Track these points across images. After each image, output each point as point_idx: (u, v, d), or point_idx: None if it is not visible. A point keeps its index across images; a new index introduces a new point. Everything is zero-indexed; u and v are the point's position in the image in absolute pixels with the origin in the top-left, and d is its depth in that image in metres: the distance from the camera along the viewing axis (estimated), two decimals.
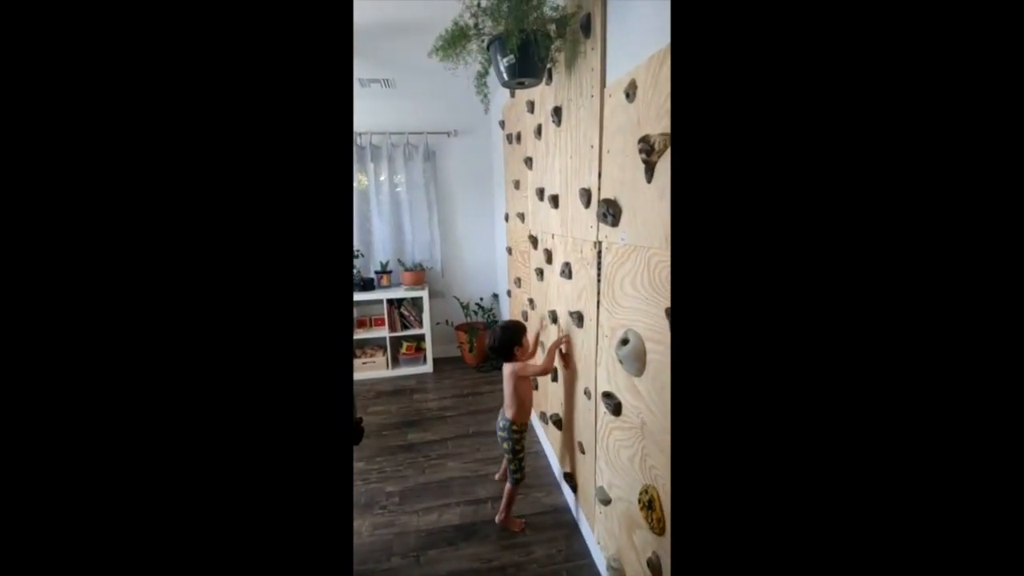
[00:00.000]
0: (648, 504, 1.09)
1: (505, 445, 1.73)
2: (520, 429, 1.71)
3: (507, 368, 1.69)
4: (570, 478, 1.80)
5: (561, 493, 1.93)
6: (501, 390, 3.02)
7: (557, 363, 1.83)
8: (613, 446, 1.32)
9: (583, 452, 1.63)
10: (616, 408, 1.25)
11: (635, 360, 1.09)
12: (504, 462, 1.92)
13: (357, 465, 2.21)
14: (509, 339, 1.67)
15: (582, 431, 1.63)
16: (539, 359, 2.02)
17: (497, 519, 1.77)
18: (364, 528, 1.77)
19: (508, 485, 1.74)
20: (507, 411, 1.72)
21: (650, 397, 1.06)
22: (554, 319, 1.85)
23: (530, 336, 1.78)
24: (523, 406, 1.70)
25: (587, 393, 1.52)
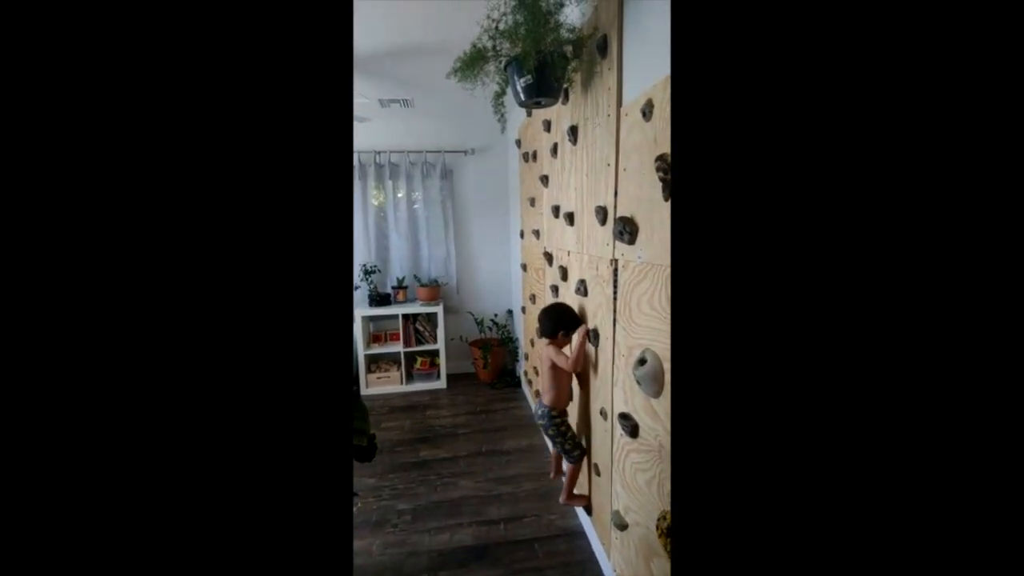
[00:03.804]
0: (667, 531, 1.05)
1: (551, 431, 1.68)
2: (561, 414, 1.67)
3: (543, 351, 1.65)
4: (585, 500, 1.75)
5: (576, 516, 1.88)
6: (514, 409, 3.01)
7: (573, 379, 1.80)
8: (630, 469, 1.29)
9: (599, 474, 1.59)
10: (633, 430, 1.22)
11: (653, 381, 1.07)
12: (553, 456, 1.90)
13: (369, 481, 2.20)
14: (559, 318, 1.63)
15: (598, 452, 1.59)
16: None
17: (561, 500, 1.77)
18: (375, 547, 1.75)
19: (568, 465, 1.70)
20: (544, 397, 1.67)
21: (668, 419, 1.03)
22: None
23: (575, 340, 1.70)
24: (561, 392, 1.66)
25: (603, 414, 1.49)
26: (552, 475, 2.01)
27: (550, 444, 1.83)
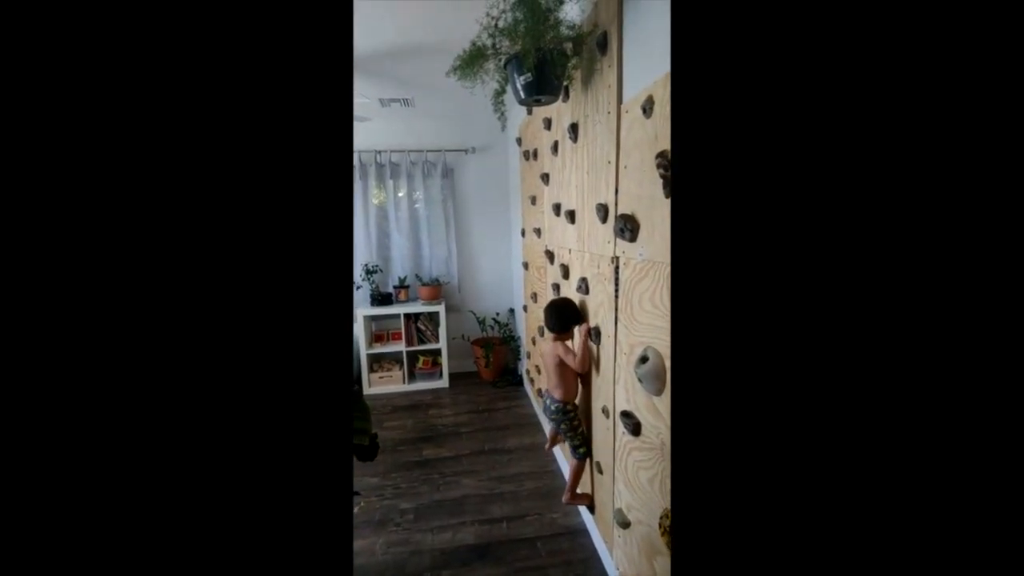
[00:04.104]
0: (669, 529, 1.04)
1: (563, 426, 1.68)
2: (573, 408, 1.68)
3: (548, 347, 1.65)
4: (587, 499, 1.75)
5: (578, 514, 1.88)
6: (516, 407, 3.01)
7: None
8: (632, 467, 1.28)
9: (601, 472, 1.59)
10: (635, 428, 1.22)
11: (655, 379, 1.06)
12: (551, 435, 1.96)
13: (372, 480, 2.20)
14: (567, 314, 1.64)
15: (600, 451, 1.59)
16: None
17: (564, 499, 1.77)
18: (379, 546, 1.76)
19: (573, 461, 1.71)
20: (555, 392, 1.67)
21: (670, 417, 1.03)
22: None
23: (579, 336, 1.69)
24: (570, 386, 1.66)
25: (605, 412, 1.48)
26: (548, 446, 2.10)
27: (547, 424, 1.84)
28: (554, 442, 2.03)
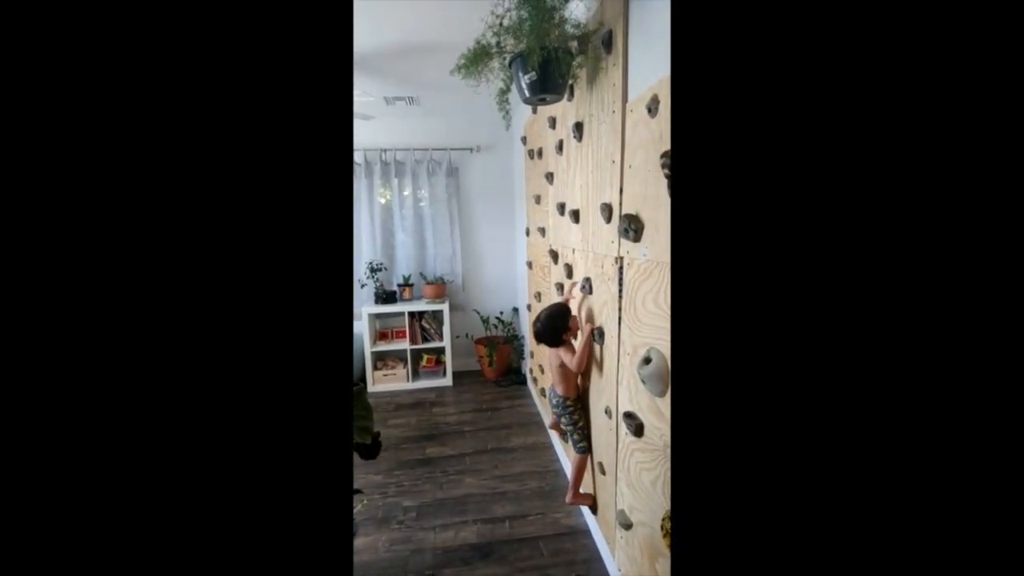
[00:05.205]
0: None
1: (563, 419, 1.75)
2: (574, 403, 1.72)
3: (551, 349, 1.69)
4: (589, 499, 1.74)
5: (580, 514, 1.88)
6: (520, 407, 3.01)
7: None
8: (635, 468, 1.28)
9: (603, 473, 1.58)
10: (638, 429, 1.22)
11: (658, 380, 1.06)
12: (552, 422, 1.99)
13: (375, 478, 2.21)
14: (555, 326, 1.64)
15: (602, 451, 1.58)
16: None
17: (567, 499, 1.77)
18: (381, 543, 1.76)
19: (575, 456, 1.74)
20: (557, 388, 1.73)
21: (671, 418, 1.02)
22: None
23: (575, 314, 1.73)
24: (571, 384, 1.71)
25: (608, 412, 1.48)
26: (550, 426, 2.16)
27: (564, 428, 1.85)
28: (555, 426, 2.06)
